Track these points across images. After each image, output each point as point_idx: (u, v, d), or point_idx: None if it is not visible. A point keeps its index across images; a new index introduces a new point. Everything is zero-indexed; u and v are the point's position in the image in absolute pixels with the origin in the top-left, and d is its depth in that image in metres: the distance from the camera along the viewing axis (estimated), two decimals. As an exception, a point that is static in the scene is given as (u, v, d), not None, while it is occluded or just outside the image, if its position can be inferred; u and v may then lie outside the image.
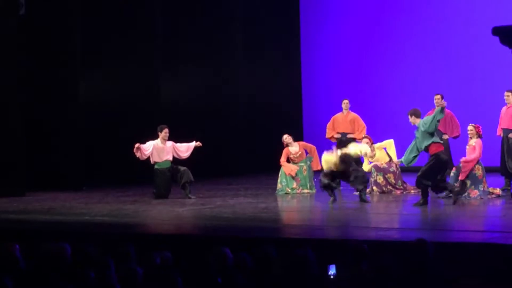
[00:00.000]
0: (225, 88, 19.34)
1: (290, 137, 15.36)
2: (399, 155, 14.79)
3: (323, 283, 6.66)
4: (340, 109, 16.68)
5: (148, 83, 17.95)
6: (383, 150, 15.03)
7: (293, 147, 15.37)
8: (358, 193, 13.65)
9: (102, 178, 17.01)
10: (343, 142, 16.44)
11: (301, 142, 15.86)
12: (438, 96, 15.42)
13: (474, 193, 13.53)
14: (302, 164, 15.28)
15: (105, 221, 11.88)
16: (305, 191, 15.10)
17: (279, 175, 15.28)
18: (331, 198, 13.32)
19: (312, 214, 13.22)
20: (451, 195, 13.02)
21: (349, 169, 13.47)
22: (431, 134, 12.72)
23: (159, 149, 14.63)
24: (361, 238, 9.76)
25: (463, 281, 6.85)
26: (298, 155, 15.35)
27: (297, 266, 6.43)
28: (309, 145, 15.70)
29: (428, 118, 12.87)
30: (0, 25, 15.37)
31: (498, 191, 13.88)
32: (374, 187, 14.72)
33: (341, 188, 14.96)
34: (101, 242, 8.83)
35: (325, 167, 13.42)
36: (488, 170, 13.97)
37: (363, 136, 15.32)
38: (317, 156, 15.42)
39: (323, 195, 13.73)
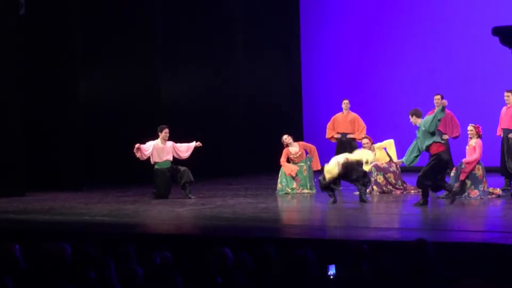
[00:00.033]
0: (225, 88, 19.34)
1: (290, 137, 15.36)
2: (399, 155, 14.80)
3: (323, 283, 6.66)
4: (340, 109, 16.68)
5: (148, 83, 17.95)
6: (383, 150, 15.02)
7: (293, 147, 15.37)
8: (358, 193, 13.65)
9: (102, 178, 17.00)
10: (343, 142, 16.46)
11: (301, 142, 15.86)
12: (438, 97, 15.42)
13: (474, 193, 13.54)
14: (302, 164, 15.27)
15: (105, 221, 11.88)
16: (305, 191, 15.10)
17: (279, 175, 15.28)
18: (331, 199, 13.32)
19: (312, 214, 13.22)
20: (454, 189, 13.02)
21: (351, 171, 13.49)
22: (432, 134, 12.72)
23: (159, 149, 14.63)
24: (361, 238, 9.77)
25: (463, 281, 6.85)
26: (298, 155, 15.35)
27: (297, 266, 6.43)
28: (309, 145, 15.70)
29: (428, 117, 12.87)
30: (0, 25, 15.37)
31: (498, 191, 13.88)
32: (374, 187, 14.72)
33: (341, 188, 14.95)
34: (101, 242, 8.83)
35: (327, 177, 13.37)
36: (488, 170, 13.97)
37: (363, 136, 15.32)
38: (317, 156, 15.43)
39: (323, 195, 13.73)
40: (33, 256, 6.84)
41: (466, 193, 13.55)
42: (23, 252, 6.87)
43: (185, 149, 14.83)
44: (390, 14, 19.83)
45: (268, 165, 17.47)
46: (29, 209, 13.54)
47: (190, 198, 14.36)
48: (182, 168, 14.53)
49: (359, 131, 16.29)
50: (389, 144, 15.09)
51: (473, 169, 13.55)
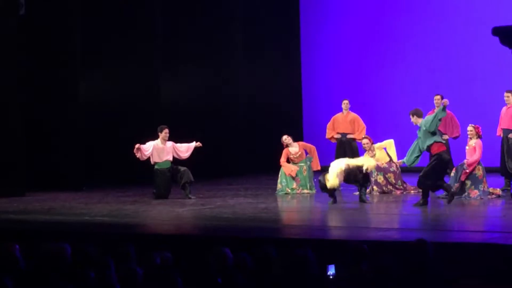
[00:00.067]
0: (225, 88, 19.33)
1: (289, 137, 15.36)
2: (399, 155, 14.81)
3: (323, 283, 6.66)
4: (340, 109, 16.69)
5: (148, 83, 17.95)
6: (383, 150, 15.02)
7: (293, 148, 15.37)
8: (358, 193, 13.65)
9: (102, 178, 17.00)
10: (343, 142, 16.47)
11: (301, 142, 15.86)
12: (438, 97, 15.43)
13: (474, 193, 13.54)
14: (302, 164, 15.27)
15: (105, 221, 11.88)
16: (305, 191, 15.10)
17: (279, 175, 15.27)
18: (331, 199, 13.32)
19: (312, 214, 13.22)
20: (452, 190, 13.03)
21: (352, 175, 13.51)
22: (433, 133, 12.72)
23: (159, 149, 14.63)
24: (361, 238, 9.77)
25: (463, 281, 6.85)
26: (298, 155, 15.35)
27: (297, 266, 6.43)
28: (309, 145, 15.70)
29: (429, 117, 12.88)
30: (0, 25, 15.37)
31: (498, 191, 13.89)
32: (375, 187, 14.72)
33: (341, 188, 14.94)
34: (101, 242, 8.83)
35: (328, 186, 13.34)
36: (488, 171, 13.98)
37: (363, 136, 15.31)
38: (317, 156, 15.43)
39: (323, 196, 13.72)
40: (33, 256, 6.84)
41: (466, 193, 13.56)
42: (23, 252, 6.87)
43: (185, 149, 14.83)
44: (390, 14, 19.83)
45: (268, 165, 17.47)
46: (29, 209, 13.54)
47: (190, 198, 14.36)
48: (182, 168, 14.53)
49: (359, 131, 16.30)
50: (389, 144, 15.09)
51: (473, 169, 13.56)
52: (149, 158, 14.59)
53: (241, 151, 19.59)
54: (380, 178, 14.76)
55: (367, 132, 15.95)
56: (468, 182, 13.60)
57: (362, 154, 15.37)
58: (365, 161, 13.66)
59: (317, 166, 15.32)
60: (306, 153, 15.45)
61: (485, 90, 18.33)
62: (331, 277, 6.86)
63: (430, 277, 6.66)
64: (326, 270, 6.85)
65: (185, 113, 18.44)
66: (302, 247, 6.68)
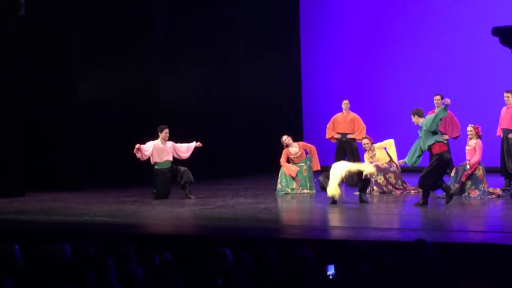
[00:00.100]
0: (225, 88, 19.32)
1: (289, 138, 15.35)
2: (399, 155, 14.80)
3: (323, 284, 6.66)
4: (340, 109, 16.69)
5: (148, 83, 17.94)
6: (383, 150, 15.02)
7: (293, 148, 15.37)
8: (358, 193, 13.65)
9: (102, 178, 16.99)
10: (343, 142, 16.47)
11: (301, 143, 15.85)
12: (438, 97, 15.44)
13: (474, 193, 13.55)
14: (302, 164, 15.27)
15: (105, 221, 11.88)
16: (305, 191, 15.10)
17: (279, 175, 15.27)
18: (331, 199, 13.31)
19: (312, 214, 13.22)
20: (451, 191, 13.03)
21: (353, 179, 13.52)
22: (434, 133, 12.72)
23: (159, 149, 14.63)
24: (361, 238, 9.78)
25: (463, 281, 6.86)
26: (298, 155, 15.34)
27: (297, 266, 6.43)
28: (309, 145, 15.69)
29: (430, 117, 12.88)
30: (0, 25, 15.36)
31: (498, 191, 13.89)
32: (375, 187, 14.71)
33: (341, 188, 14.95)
34: (101, 242, 8.83)
35: (328, 194, 13.33)
36: (488, 171, 13.99)
37: (363, 136, 15.31)
38: (317, 156, 15.42)
39: (323, 196, 13.73)
40: (33, 256, 6.84)
41: (466, 193, 13.57)
42: (23, 252, 6.87)
43: (185, 149, 14.83)
44: (390, 14, 19.82)
45: (268, 166, 17.47)
46: (29, 209, 13.53)
47: (190, 198, 14.36)
48: (182, 168, 14.53)
49: (359, 131, 16.30)
50: (389, 144, 15.09)
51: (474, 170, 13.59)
52: (149, 158, 14.59)
53: (241, 151, 19.58)
54: (381, 179, 14.76)
55: (367, 132, 15.95)
56: (468, 182, 13.61)
57: (362, 154, 15.39)
58: (366, 167, 13.63)
59: (317, 166, 15.32)
60: (306, 153, 15.44)
61: (485, 90, 18.33)
62: (330, 277, 6.86)
63: (430, 277, 6.66)
64: (326, 270, 6.85)
65: (185, 113, 18.43)
66: (302, 247, 6.68)
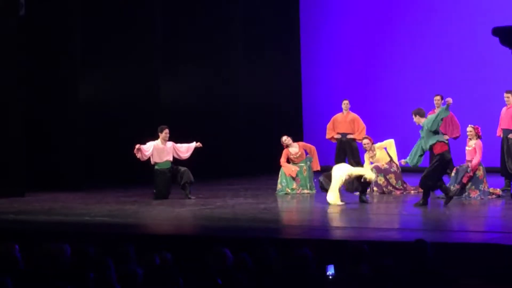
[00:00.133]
0: (225, 88, 19.32)
1: (289, 138, 15.35)
2: (400, 155, 14.80)
3: (323, 284, 6.66)
4: (340, 110, 16.69)
5: (148, 83, 17.94)
6: (384, 150, 15.02)
7: (293, 148, 15.36)
8: (358, 193, 13.64)
9: (102, 178, 16.99)
10: (343, 142, 16.48)
11: (301, 143, 15.85)
12: (438, 97, 15.44)
13: (475, 193, 13.55)
14: (302, 164, 15.27)
15: (105, 221, 11.87)
16: (305, 191, 15.10)
17: (279, 175, 15.27)
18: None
19: (312, 214, 13.21)
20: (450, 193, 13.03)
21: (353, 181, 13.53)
22: (435, 133, 12.72)
23: (159, 149, 14.63)
24: (361, 238, 9.77)
25: (463, 281, 6.85)
26: (298, 155, 15.34)
27: (297, 266, 6.43)
28: (309, 145, 15.69)
29: (431, 116, 12.88)
30: (0, 25, 15.36)
31: (498, 191, 13.89)
32: (375, 188, 14.71)
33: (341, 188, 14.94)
34: (101, 242, 8.83)
35: (329, 202, 13.33)
36: (488, 171, 13.99)
37: (364, 136, 15.31)
38: (317, 156, 15.42)
39: (323, 196, 13.72)
40: (33, 256, 6.84)
41: (466, 193, 13.57)
42: (23, 252, 6.87)
43: (185, 149, 14.83)
44: (390, 14, 19.82)
45: (268, 166, 17.46)
46: (29, 209, 13.52)
47: (190, 198, 14.36)
48: (182, 169, 14.53)
49: (359, 131, 16.30)
50: (390, 144, 15.09)
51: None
52: (149, 158, 14.59)
53: (241, 152, 19.58)
54: (381, 179, 14.75)
55: (367, 132, 15.95)
56: (469, 182, 13.60)
57: (362, 154, 15.39)
58: (367, 173, 13.60)
59: (317, 166, 15.32)
60: (306, 153, 15.44)
61: (485, 91, 18.33)
62: (330, 277, 6.86)
63: (430, 277, 6.66)
64: (325, 270, 6.85)
65: (185, 113, 18.43)
66: (302, 247, 6.68)
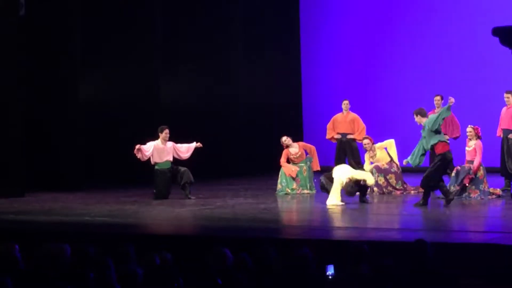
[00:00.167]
0: (225, 88, 19.32)
1: (289, 138, 15.35)
2: (400, 155, 14.80)
3: (323, 284, 6.66)
4: (340, 110, 16.69)
5: (148, 83, 17.93)
6: (384, 150, 15.02)
7: (293, 148, 15.36)
8: (358, 193, 13.64)
9: (102, 178, 16.99)
10: (343, 142, 16.48)
11: (301, 143, 15.85)
12: (438, 97, 15.44)
13: (475, 193, 13.55)
14: (302, 164, 15.27)
15: (105, 222, 11.87)
16: (305, 191, 15.09)
17: (279, 175, 15.27)
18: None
19: (312, 214, 13.21)
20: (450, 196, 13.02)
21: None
22: (436, 132, 12.72)
23: (159, 149, 14.63)
24: (361, 238, 9.78)
25: (463, 281, 6.85)
26: (298, 155, 15.34)
27: (297, 266, 6.43)
28: (309, 145, 15.69)
29: (433, 116, 12.88)
30: (0, 25, 15.36)
31: (498, 191, 13.90)
32: (375, 188, 14.70)
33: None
34: (101, 242, 8.82)
35: (328, 205, 13.33)
36: (489, 171, 14.00)
37: (364, 136, 15.31)
38: (317, 156, 15.42)
39: (323, 196, 13.72)
40: (33, 256, 6.83)
41: (466, 193, 13.57)
42: (23, 252, 6.87)
43: (186, 149, 14.83)
44: (390, 14, 19.82)
45: (268, 166, 17.46)
46: (29, 209, 13.53)
47: (190, 198, 14.36)
48: (182, 169, 14.53)
49: (359, 131, 16.30)
50: (390, 144, 15.09)
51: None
52: (149, 158, 14.59)
53: (241, 152, 19.58)
54: (381, 180, 14.75)
55: (367, 132, 15.95)
56: (470, 183, 13.62)
57: (362, 154, 15.39)
58: (367, 176, 13.58)
59: (317, 167, 15.31)
60: (306, 154, 15.44)
61: (485, 91, 18.33)
62: (330, 277, 6.86)
63: (430, 278, 6.66)
64: (325, 270, 6.84)
65: (185, 113, 18.42)
66: (302, 248, 6.68)
